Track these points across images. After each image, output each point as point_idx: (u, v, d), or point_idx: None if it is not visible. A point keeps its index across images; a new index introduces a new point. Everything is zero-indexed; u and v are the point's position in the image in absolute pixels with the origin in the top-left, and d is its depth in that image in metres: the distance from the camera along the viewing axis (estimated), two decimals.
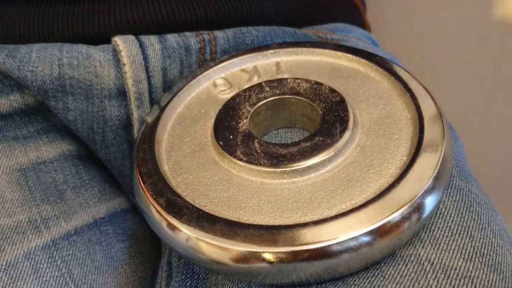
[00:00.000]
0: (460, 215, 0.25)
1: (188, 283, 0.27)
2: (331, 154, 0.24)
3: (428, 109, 0.25)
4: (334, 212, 0.22)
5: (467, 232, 0.24)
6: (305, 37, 0.36)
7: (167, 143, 0.28)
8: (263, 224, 0.22)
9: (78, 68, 0.31)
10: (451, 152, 0.24)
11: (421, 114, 0.25)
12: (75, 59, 0.31)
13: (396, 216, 0.21)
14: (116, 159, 0.34)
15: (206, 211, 0.23)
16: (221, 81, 0.31)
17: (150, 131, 0.28)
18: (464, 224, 0.25)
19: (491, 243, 0.25)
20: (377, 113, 0.26)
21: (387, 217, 0.21)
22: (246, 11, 0.35)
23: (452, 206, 0.25)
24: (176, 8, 0.34)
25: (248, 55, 0.31)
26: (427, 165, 0.23)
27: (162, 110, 0.29)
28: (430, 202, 0.22)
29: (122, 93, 0.32)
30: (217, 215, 0.23)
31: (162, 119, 0.28)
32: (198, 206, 0.23)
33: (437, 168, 0.23)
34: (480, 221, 0.25)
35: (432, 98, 0.26)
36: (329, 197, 0.22)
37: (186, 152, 0.27)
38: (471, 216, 0.25)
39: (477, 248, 0.24)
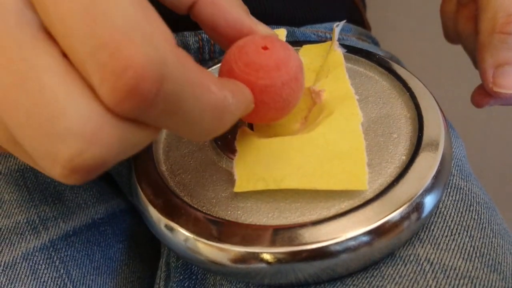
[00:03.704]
0: (460, 215, 0.25)
1: (186, 283, 0.27)
2: None
3: (427, 108, 0.25)
4: (332, 212, 0.22)
5: (467, 232, 0.24)
6: (304, 36, 0.36)
7: (165, 143, 0.27)
8: (261, 224, 0.22)
9: None
10: (451, 151, 0.24)
11: (421, 113, 0.25)
12: None
13: (395, 215, 0.21)
14: None
15: (204, 211, 0.23)
16: None
17: None
18: (464, 223, 0.25)
19: (491, 242, 0.24)
20: (376, 112, 0.26)
21: (386, 216, 0.21)
22: None
23: (451, 206, 0.25)
24: None
25: None
26: (427, 164, 0.22)
27: None
28: (429, 202, 0.22)
29: None
30: (215, 215, 0.23)
31: None
32: (196, 206, 0.23)
33: (437, 167, 0.22)
34: (480, 220, 0.25)
35: (432, 97, 0.26)
36: (327, 197, 0.22)
37: (184, 152, 0.26)
38: (471, 215, 0.25)
39: (477, 248, 0.24)
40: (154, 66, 0.14)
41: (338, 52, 0.28)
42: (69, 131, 0.14)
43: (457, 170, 0.28)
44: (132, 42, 0.14)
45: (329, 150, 0.23)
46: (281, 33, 0.31)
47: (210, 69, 0.31)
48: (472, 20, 0.32)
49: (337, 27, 0.30)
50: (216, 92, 0.17)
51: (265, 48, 0.21)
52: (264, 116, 0.22)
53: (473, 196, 0.27)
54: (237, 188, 0.23)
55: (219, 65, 0.31)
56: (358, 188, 0.21)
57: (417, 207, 0.22)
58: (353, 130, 0.23)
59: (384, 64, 0.28)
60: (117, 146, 0.15)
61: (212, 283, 0.26)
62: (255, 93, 0.21)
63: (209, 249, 0.22)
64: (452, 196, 0.26)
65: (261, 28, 0.23)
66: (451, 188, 0.26)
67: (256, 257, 0.21)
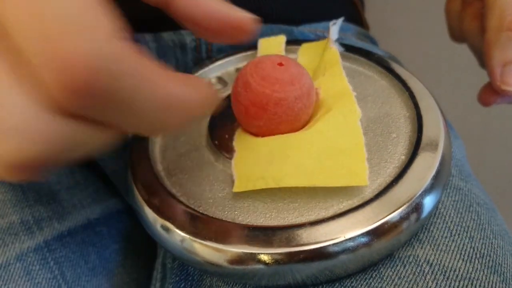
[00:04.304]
0: (459, 216, 0.25)
1: (182, 285, 0.27)
2: None
3: (427, 107, 0.25)
4: (331, 212, 0.21)
5: (467, 233, 0.24)
6: (303, 35, 0.36)
7: (161, 142, 0.27)
8: (259, 225, 0.21)
9: None
10: (450, 151, 0.24)
11: (420, 112, 0.25)
12: None
13: (394, 216, 0.21)
14: (111, 158, 0.34)
15: (200, 211, 0.23)
16: (216, 80, 0.30)
17: None
18: (464, 224, 0.24)
19: (491, 243, 0.24)
20: (375, 112, 0.26)
21: (385, 217, 0.21)
22: (243, 8, 0.34)
23: (451, 206, 0.25)
24: None
25: (244, 53, 0.31)
26: (426, 164, 0.22)
27: None
28: (429, 202, 0.22)
29: None
30: (211, 215, 0.22)
31: None
32: (192, 206, 0.23)
33: (436, 167, 0.22)
34: (480, 221, 0.25)
35: (431, 96, 0.26)
36: (326, 197, 0.22)
37: (181, 152, 0.26)
38: (471, 216, 0.25)
39: (477, 249, 0.24)
40: (91, 59, 0.14)
41: (334, 50, 0.28)
42: (6, 128, 0.14)
43: (456, 171, 0.28)
44: (70, 34, 0.14)
45: (328, 147, 0.22)
46: (281, 40, 0.30)
47: (207, 68, 0.30)
48: (477, 19, 0.32)
49: (334, 25, 0.30)
50: (167, 87, 0.17)
51: (280, 64, 0.22)
52: (276, 128, 0.23)
53: (473, 197, 0.26)
54: (236, 188, 0.22)
55: (216, 64, 0.31)
56: (359, 184, 0.21)
57: (417, 207, 0.21)
58: (351, 126, 0.23)
59: (383, 64, 0.28)
60: (60, 143, 0.15)
61: (208, 284, 0.26)
62: (269, 106, 0.22)
63: (205, 250, 0.21)
64: (451, 197, 0.26)
65: (240, 14, 0.22)
66: (450, 188, 0.26)
67: (253, 258, 0.21)
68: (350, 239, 0.20)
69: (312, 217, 0.21)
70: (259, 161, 0.23)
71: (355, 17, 0.43)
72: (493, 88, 0.29)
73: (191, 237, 0.22)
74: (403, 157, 0.23)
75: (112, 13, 0.15)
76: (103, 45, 0.15)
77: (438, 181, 0.22)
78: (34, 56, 0.14)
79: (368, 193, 0.22)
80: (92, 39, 0.14)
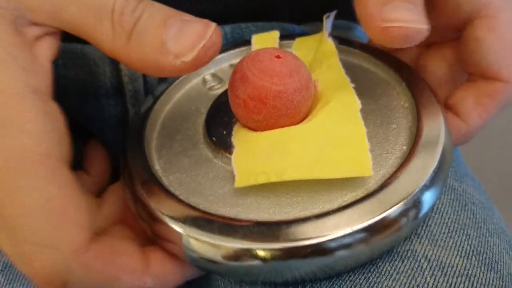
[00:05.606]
0: (456, 213, 0.25)
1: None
2: None
3: (424, 97, 0.25)
4: (335, 205, 0.21)
5: (464, 230, 0.24)
6: (302, 30, 0.36)
7: (157, 141, 0.27)
8: (262, 221, 0.21)
9: (73, 68, 0.30)
10: (451, 141, 0.24)
11: (418, 102, 0.24)
12: (69, 59, 0.30)
13: (394, 211, 0.20)
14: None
15: (201, 209, 0.22)
16: (211, 77, 0.30)
17: (139, 130, 0.27)
18: (460, 222, 0.25)
19: (487, 241, 0.24)
20: (373, 104, 0.25)
21: (391, 207, 0.20)
22: (245, 6, 0.34)
23: (448, 204, 0.25)
24: (173, 3, 0.33)
25: (237, 49, 0.31)
26: (429, 154, 0.22)
27: (150, 108, 0.28)
28: (431, 194, 0.21)
29: (118, 91, 0.31)
30: (213, 213, 0.22)
31: (151, 118, 0.27)
32: (193, 204, 0.22)
33: (439, 157, 0.22)
34: (475, 220, 0.25)
35: (428, 86, 0.26)
36: (329, 189, 0.22)
37: (178, 150, 0.26)
38: (467, 214, 0.25)
39: (474, 246, 0.24)
40: (58, 274, 0.19)
41: (330, 42, 0.28)
42: None
43: (451, 171, 0.28)
44: (40, 254, 0.18)
45: (330, 138, 0.22)
46: (274, 35, 0.30)
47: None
48: None
49: (327, 18, 0.30)
50: (129, 280, 0.21)
51: (277, 57, 0.22)
52: (276, 122, 0.23)
53: (468, 197, 0.27)
54: (237, 184, 0.22)
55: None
56: (363, 174, 0.21)
57: (417, 203, 0.21)
58: (352, 117, 0.23)
59: (378, 55, 0.28)
60: None
61: (216, 277, 0.26)
62: (269, 99, 0.22)
63: (206, 248, 0.21)
64: (448, 195, 0.26)
65: None
66: (445, 188, 0.26)
67: (259, 254, 0.20)
68: (357, 231, 0.20)
69: (317, 210, 0.21)
70: (260, 155, 0.22)
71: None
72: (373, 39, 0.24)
73: (192, 236, 0.21)
74: (404, 147, 0.23)
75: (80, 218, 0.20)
76: (71, 262, 0.19)
77: (441, 171, 0.22)
78: (20, 268, 0.19)
79: (372, 184, 0.21)
80: (61, 257, 0.19)
